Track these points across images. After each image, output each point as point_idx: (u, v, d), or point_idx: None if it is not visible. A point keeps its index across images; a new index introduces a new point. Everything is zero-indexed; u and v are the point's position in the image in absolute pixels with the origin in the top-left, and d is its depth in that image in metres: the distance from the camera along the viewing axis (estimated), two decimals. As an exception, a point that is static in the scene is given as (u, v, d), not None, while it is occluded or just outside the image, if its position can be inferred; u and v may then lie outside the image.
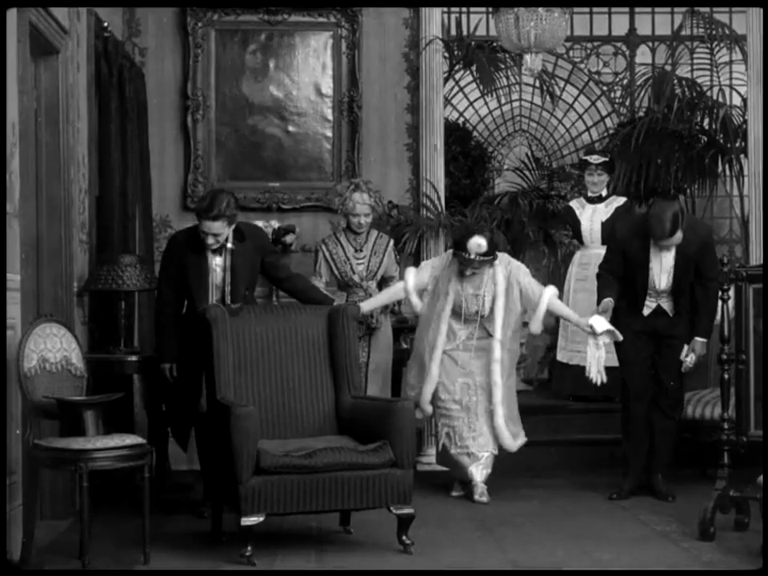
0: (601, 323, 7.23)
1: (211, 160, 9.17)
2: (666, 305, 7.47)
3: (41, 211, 6.90)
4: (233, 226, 6.90)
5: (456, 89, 11.71)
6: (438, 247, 9.10)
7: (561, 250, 9.92)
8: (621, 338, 7.30)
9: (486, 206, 10.06)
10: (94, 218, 7.74)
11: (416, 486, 6.29)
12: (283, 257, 8.39)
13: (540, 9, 8.88)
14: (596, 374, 7.29)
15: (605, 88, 12.11)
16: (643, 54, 12.06)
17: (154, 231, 8.90)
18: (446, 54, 9.56)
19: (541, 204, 10.31)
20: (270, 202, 9.17)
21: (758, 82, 9.04)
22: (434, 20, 9.26)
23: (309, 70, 9.23)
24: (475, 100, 11.89)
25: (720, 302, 6.54)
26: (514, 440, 7.58)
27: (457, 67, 9.80)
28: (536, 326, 7.57)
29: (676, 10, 11.55)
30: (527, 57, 9.17)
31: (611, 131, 11.70)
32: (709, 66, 10.92)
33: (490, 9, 9.91)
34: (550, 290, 7.52)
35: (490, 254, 7.39)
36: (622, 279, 7.43)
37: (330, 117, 9.23)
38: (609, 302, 7.34)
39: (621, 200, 9.19)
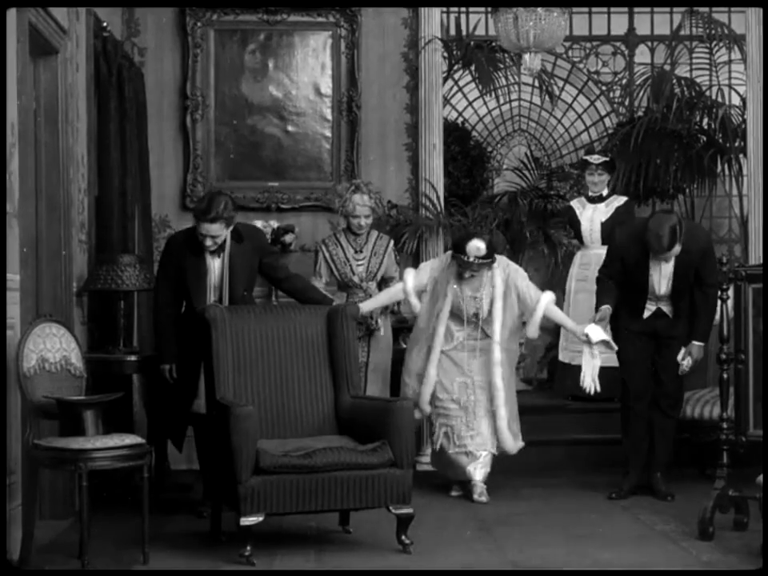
0: (596, 333, 7.25)
1: (210, 160, 9.17)
2: (666, 308, 7.48)
3: (40, 211, 6.90)
4: (231, 228, 6.90)
5: (455, 88, 11.71)
6: (437, 247, 9.10)
7: (560, 250, 9.91)
8: (616, 348, 7.35)
9: (486, 205, 10.07)
10: (94, 218, 7.74)
11: (415, 485, 6.29)
12: (282, 257, 8.40)
13: (539, 9, 8.89)
14: (590, 382, 7.31)
15: (604, 88, 12.11)
16: (642, 54, 12.06)
17: (153, 231, 8.90)
18: (445, 54, 9.56)
19: (540, 204, 10.31)
20: (269, 201, 9.17)
21: (757, 81, 9.04)
22: (433, 20, 9.26)
23: (308, 69, 9.23)
24: (474, 100, 11.89)
25: (719, 302, 6.54)
26: (515, 441, 7.58)
27: (456, 67, 9.80)
28: (532, 331, 7.59)
29: (675, 9, 11.54)
30: (526, 56, 9.17)
31: (610, 131, 11.69)
32: (708, 66, 10.92)
33: (489, 9, 9.91)
34: (548, 296, 7.53)
35: (489, 257, 7.40)
36: (621, 283, 7.43)
37: (329, 116, 9.23)
38: (606, 309, 7.35)
39: (621, 199, 9.18)
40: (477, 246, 7.34)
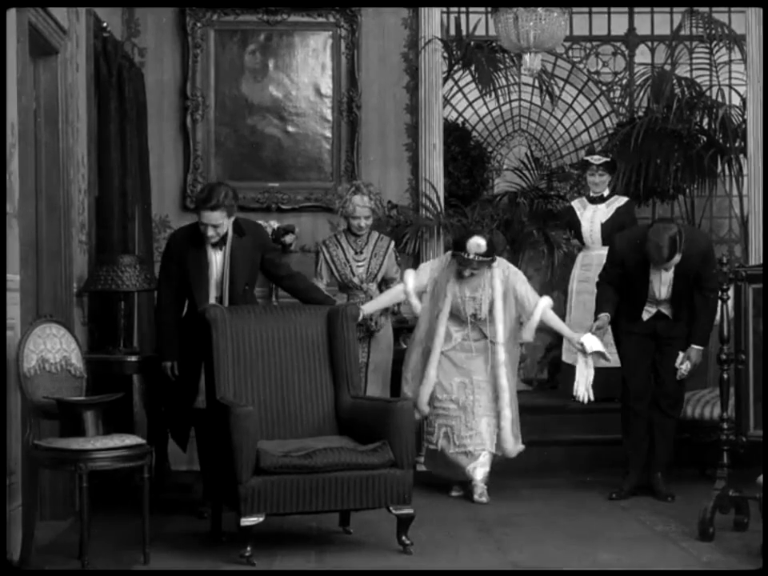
0: (592, 343, 7.26)
1: (210, 160, 9.17)
2: (666, 311, 7.48)
3: (40, 212, 6.90)
4: (232, 218, 6.90)
5: (455, 89, 11.70)
6: (437, 248, 9.10)
7: (558, 252, 9.90)
8: (611, 359, 7.38)
9: (486, 205, 10.06)
10: (94, 219, 7.74)
11: (415, 486, 6.28)
12: (283, 257, 8.39)
13: (539, 9, 8.88)
14: (583, 392, 7.33)
15: (604, 88, 12.10)
16: (642, 54, 12.05)
17: (153, 231, 8.90)
18: (445, 54, 9.56)
19: (540, 204, 10.31)
20: (269, 202, 9.17)
21: (758, 81, 9.04)
22: (433, 20, 9.26)
23: (308, 70, 9.23)
24: (474, 100, 11.88)
25: (719, 302, 6.54)
26: (515, 443, 7.57)
27: (456, 67, 9.80)
28: (528, 335, 7.62)
29: (675, 9, 11.54)
30: (526, 57, 9.17)
31: (610, 131, 11.68)
32: (708, 66, 10.92)
33: (489, 9, 9.90)
34: (545, 301, 7.54)
35: (489, 255, 7.40)
36: (621, 288, 7.43)
37: (330, 117, 9.24)
38: (605, 317, 7.36)
39: (622, 200, 9.17)
40: (477, 243, 7.35)
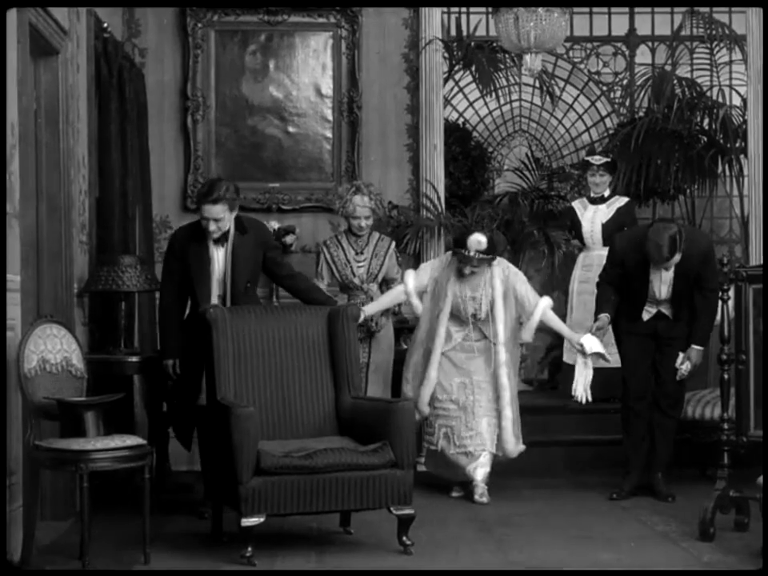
0: (592, 344, 7.27)
1: (211, 161, 9.17)
2: (667, 311, 7.48)
3: (41, 212, 6.90)
4: (234, 214, 6.89)
5: (456, 89, 11.70)
6: (438, 248, 9.10)
7: (559, 252, 9.89)
8: (610, 360, 7.38)
9: (486, 206, 10.06)
10: (94, 219, 7.74)
11: (416, 486, 6.29)
12: (284, 257, 8.39)
13: (540, 9, 8.89)
14: (582, 392, 7.34)
15: (604, 88, 12.10)
16: (643, 54, 12.06)
17: (153, 232, 8.91)
18: (446, 55, 9.57)
19: (541, 204, 10.31)
20: (269, 202, 9.18)
21: (758, 82, 9.04)
22: (433, 20, 9.27)
23: (309, 70, 9.24)
24: (475, 100, 11.88)
25: (720, 302, 6.54)
26: (516, 444, 7.57)
27: (456, 67, 9.81)
28: (527, 335, 7.62)
29: (676, 10, 11.54)
30: (527, 57, 9.17)
31: (611, 131, 11.69)
32: (708, 66, 10.93)
33: (490, 9, 9.91)
34: (545, 301, 7.54)
35: (489, 253, 7.41)
36: (621, 288, 7.43)
37: (330, 117, 9.24)
38: (605, 318, 7.37)
39: (623, 200, 9.17)
40: (478, 240, 7.35)
